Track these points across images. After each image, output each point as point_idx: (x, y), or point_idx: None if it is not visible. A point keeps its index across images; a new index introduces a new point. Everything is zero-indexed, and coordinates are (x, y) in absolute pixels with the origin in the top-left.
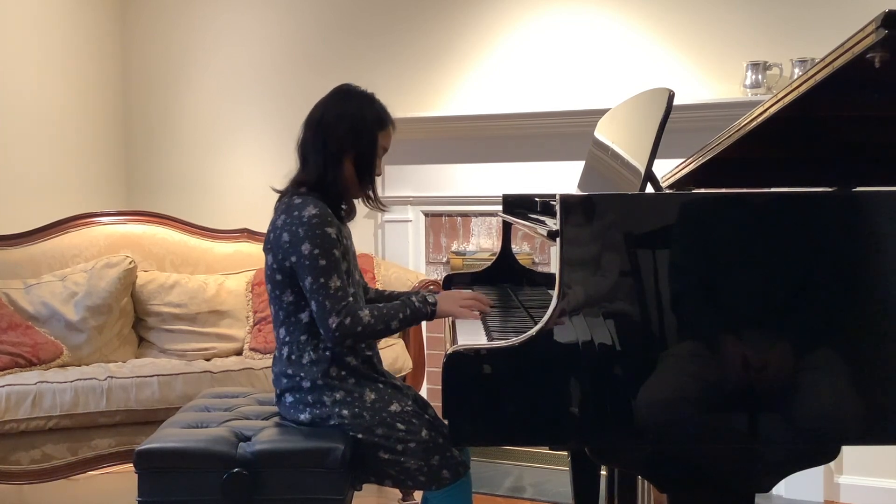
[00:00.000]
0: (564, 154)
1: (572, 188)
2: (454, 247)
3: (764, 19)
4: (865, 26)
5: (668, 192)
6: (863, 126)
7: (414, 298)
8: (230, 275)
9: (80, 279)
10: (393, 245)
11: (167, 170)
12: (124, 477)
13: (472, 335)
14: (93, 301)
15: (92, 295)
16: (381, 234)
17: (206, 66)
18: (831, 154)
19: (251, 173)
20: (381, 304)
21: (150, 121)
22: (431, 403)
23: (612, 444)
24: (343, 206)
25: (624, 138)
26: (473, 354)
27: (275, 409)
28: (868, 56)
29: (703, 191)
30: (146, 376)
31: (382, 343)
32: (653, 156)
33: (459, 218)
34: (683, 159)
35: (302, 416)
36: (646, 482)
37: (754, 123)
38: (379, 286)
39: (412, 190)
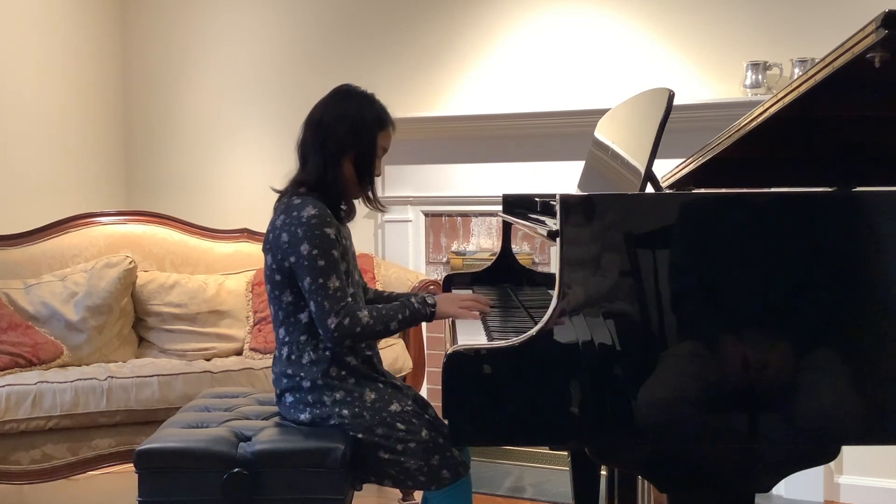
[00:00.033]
0: (564, 154)
1: (572, 188)
2: (454, 247)
3: (764, 19)
4: (865, 26)
5: (668, 192)
6: (863, 126)
7: (413, 299)
8: (230, 275)
9: (80, 279)
10: (393, 245)
11: (167, 170)
12: (124, 477)
13: (473, 335)
14: (93, 301)
15: (92, 295)
16: (381, 234)
17: (206, 66)
18: (831, 154)
19: (251, 173)
20: (380, 305)
21: (150, 121)
22: (431, 403)
23: (612, 444)
24: (343, 207)
25: (624, 138)
26: (473, 354)
27: (275, 409)
28: (868, 56)
29: (703, 191)
30: (146, 376)
31: (382, 343)
32: (653, 156)
33: (459, 218)
34: (683, 159)
35: (302, 416)
36: (646, 482)
37: (754, 123)
38: (379, 286)
39: (412, 190)
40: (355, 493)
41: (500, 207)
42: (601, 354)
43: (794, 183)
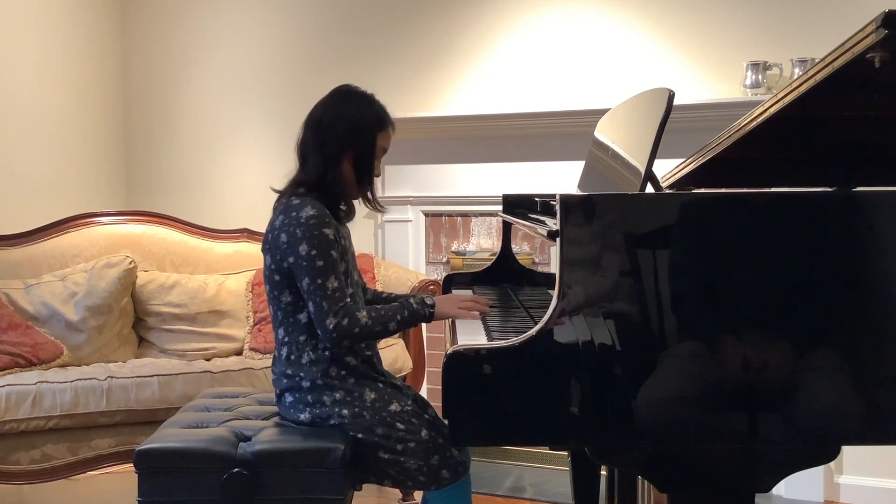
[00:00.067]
0: (564, 154)
1: (572, 188)
2: (454, 247)
3: (764, 19)
4: (865, 26)
5: (668, 192)
6: (863, 126)
7: (412, 300)
8: (230, 275)
9: (80, 279)
10: (393, 245)
11: (167, 170)
12: (124, 477)
13: (472, 335)
14: (93, 301)
15: (92, 295)
16: (380, 234)
17: (206, 66)
18: (831, 154)
19: (251, 173)
20: (378, 306)
21: (150, 121)
22: (431, 403)
23: (612, 444)
24: (342, 207)
25: (624, 138)
26: (473, 354)
27: (275, 409)
28: (868, 56)
29: (703, 191)
30: (146, 376)
31: (382, 343)
32: (653, 156)
33: (459, 218)
34: (683, 159)
35: (302, 416)
36: (646, 482)
37: (754, 123)
38: (379, 286)
39: (412, 190)
40: (355, 493)
41: (500, 207)
42: (601, 354)
43: (794, 183)
